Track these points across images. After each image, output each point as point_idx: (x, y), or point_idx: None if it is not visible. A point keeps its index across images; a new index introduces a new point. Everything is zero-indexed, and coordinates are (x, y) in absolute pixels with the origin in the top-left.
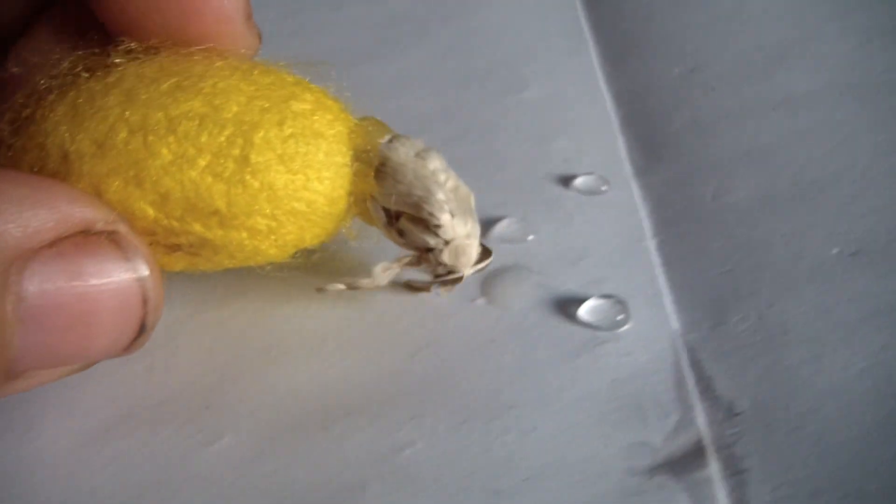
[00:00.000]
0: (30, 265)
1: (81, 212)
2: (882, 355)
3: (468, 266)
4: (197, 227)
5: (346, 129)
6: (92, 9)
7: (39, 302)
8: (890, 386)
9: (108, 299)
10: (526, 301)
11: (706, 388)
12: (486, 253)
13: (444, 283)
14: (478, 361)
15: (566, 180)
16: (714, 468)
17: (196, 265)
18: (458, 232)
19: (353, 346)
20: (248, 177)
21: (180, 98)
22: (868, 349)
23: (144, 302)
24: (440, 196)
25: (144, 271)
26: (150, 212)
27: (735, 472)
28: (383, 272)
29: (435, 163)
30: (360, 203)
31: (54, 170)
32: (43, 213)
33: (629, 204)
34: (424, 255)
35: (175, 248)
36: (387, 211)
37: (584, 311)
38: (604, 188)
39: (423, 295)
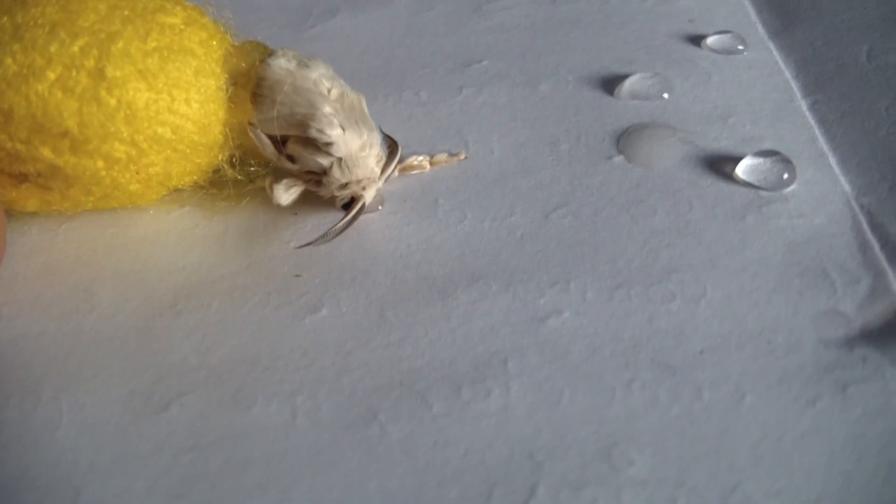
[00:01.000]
0: None
1: None
2: None
3: (372, 181)
4: (45, 152)
5: (221, 50)
6: None
7: None
8: None
9: None
10: (671, 159)
11: (895, 252)
12: (393, 147)
13: (349, 211)
14: (624, 223)
15: (696, 39)
16: None
17: (50, 203)
18: (353, 146)
19: (470, 207)
20: (103, 93)
21: (30, 2)
22: None
23: None
24: (326, 109)
25: None
26: None
27: None
28: (286, 191)
29: (317, 71)
30: (239, 134)
31: None
32: None
33: (771, 64)
34: (322, 177)
35: (22, 177)
36: (272, 138)
37: (742, 170)
38: (740, 48)
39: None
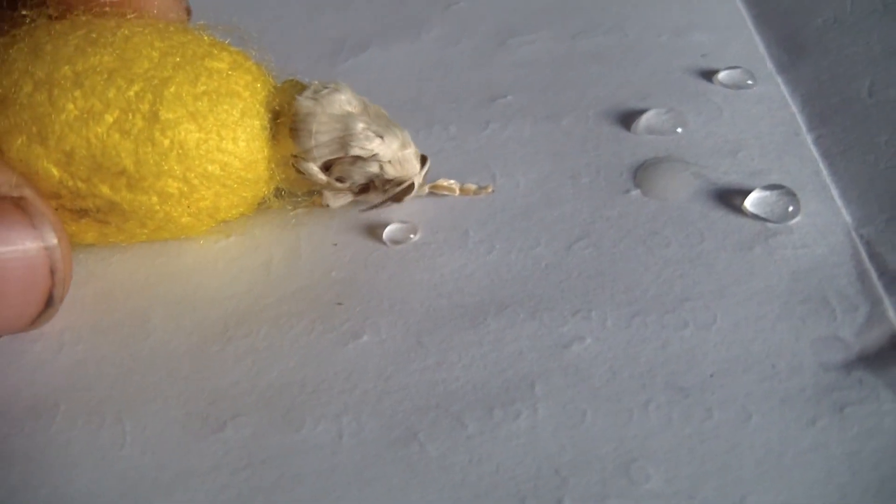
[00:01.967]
0: None
1: None
2: None
3: (416, 173)
4: (104, 189)
5: (265, 92)
6: None
7: None
8: None
9: (14, 269)
10: (684, 192)
11: (891, 281)
12: (424, 158)
13: (398, 197)
14: (640, 254)
15: (708, 74)
16: None
17: (107, 236)
18: (393, 147)
19: (498, 238)
20: (157, 134)
21: (89, 52)
22: None
23: (52, 272)
24: (360, 126)
25: (52, 240)
26: (55, 172)
27: None
28: (334, 197)
29: (339, 95)
30: (283, 169)
31: None
32: None
33: (778, 98)
34: (372, 184)
35: (82, 213)
36: (303, 164)
37: (750, 203)
38: (749, 82)
39: (570, 187)
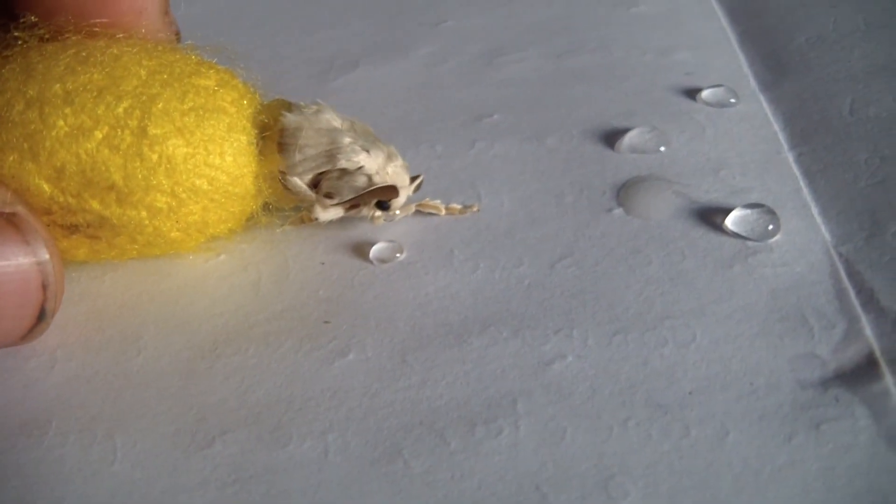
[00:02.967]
0: None
1: None
2: None
3: (405, 185)
4: (94, 204)
5: (251, 108)
6: None
7: None
8: None
9: (7, 284)
10: (666, 211)
11: (869, 299)
12: (415, 176)
13: (384, 196)
14: (622, 272)
15: (691, 93)
16: (890, 380)
17: (98, 252)
18: (380, 162)
19: (482, 257)
20: (145, 149)
21: (79, 70)
22: None
23: (44, 287)
24: (347, 140)
25: (44, 255)
26: (46, 188)
27: None
28: (324, 210)
29: (327, 112)
30: (270, 183)
31: None
32: None
33: (761, 117)
34: (361, 197)
35: (73, 228)
36: (289, 179)
37: (731, 221)
38: (732, 101)
39: (554, 206)
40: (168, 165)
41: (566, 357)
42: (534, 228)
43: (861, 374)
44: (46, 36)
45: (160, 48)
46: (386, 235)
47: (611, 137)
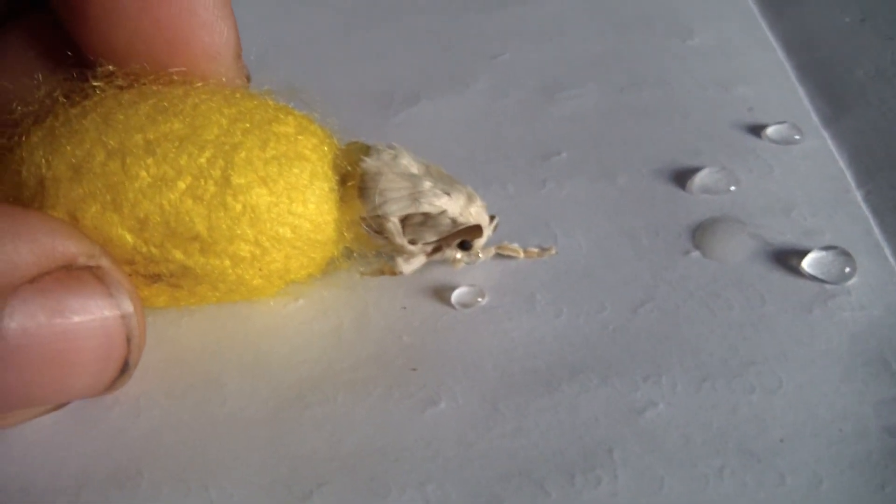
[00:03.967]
0: (10, 302)
1: (63, 245)
2: None
3: (487, 224)
4: (177, 255)
5: (331, 154)
6: (70, 32)
7: (20, 340)
8: None
9: (91, 337)
10: (743, 253)
11: None
12: (492, 216)
13: (470, 236)
14: (704, 317)
15: (756, 129)
16: None
17: (178, 299)
18: (461, 203)
19: (564, 301)
20: (229, 199)
21: (159, 120)
22: None
23: (128, 340)
24: (427, 184)
25: (128, 308)
26: (129, 238)
27: None
28: (406, 262)
29: (403, 158)
30: (351, 229)
31: (30, 197)
32: (23, 247)
33: (826, 153)
34: (444, 240)
35: (155, 278)
36: (384, 222)
37: (808, 264)
38: (797, 137)
39: (630, 248)
40: (252, 215)
41: (657, 405)
42: (612, 271)
43: None
44: (124, 84)
45: (238, 95)
46: (466, 280)
47: (680, 176)
